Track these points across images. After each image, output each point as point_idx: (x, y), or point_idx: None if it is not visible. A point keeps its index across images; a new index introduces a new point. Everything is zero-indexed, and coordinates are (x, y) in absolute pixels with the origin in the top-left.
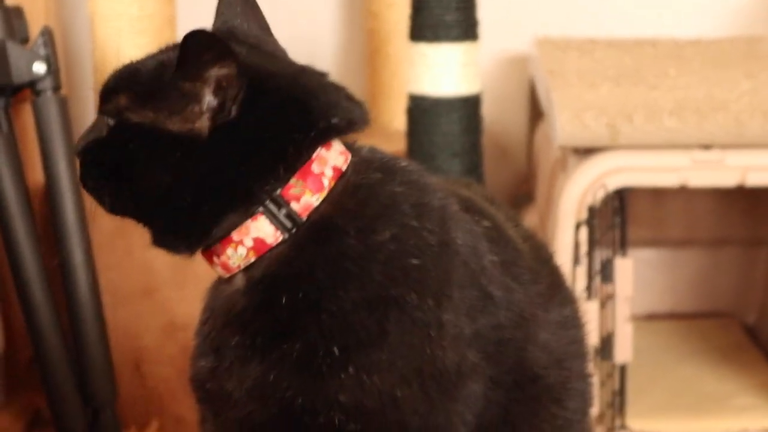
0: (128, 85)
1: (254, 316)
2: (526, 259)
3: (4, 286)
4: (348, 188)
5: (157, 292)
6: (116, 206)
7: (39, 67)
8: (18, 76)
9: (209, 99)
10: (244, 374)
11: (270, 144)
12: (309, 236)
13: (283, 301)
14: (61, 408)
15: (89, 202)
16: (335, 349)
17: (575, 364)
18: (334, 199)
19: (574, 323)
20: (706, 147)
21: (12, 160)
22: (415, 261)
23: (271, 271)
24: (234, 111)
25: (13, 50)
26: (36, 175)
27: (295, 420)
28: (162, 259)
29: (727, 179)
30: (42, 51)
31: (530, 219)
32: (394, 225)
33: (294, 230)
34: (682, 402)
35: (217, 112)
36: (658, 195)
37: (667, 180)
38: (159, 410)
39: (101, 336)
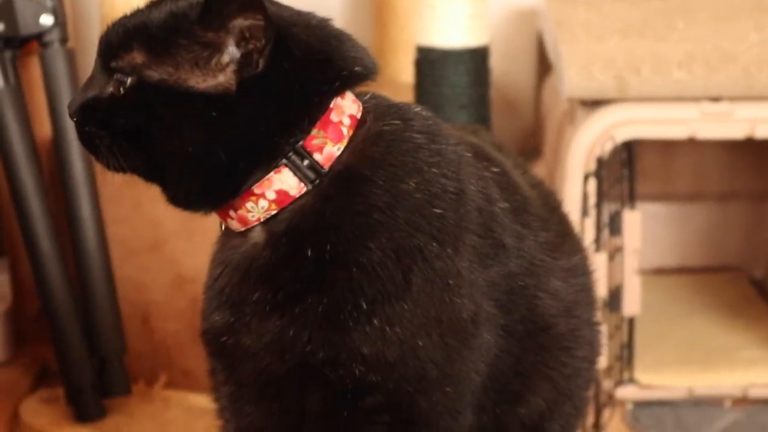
0: (140, 38)
1: (278, 270)
2: (535, 207)
3: (12, 241)
4: (369, 136)
5: (165, 245)
6: (125, 166)
7: (46, 19)
8: (25, 28)
9: (232, 50)
10: (264, 328)
11: (297, 96)
12: (334, 187)
13: (309, 254)
14: (68, 361)
15: None
16: (363, 303)
17: (584, 311)
18: (356, 148)
19: (582, 271)
20: (715, 99)
21: (19, 113)
22: (437, 210)
23: (295, 224)
24: (261, 64)
25: (20, 2)
26: (43, 128)
27: (315, 373)
28: (170, 213)
29: (735, 132)
30: (49, 3)
31: (538, 172)
32: (417, 173)
33: (317, 181)
34: (690, 355)
35: (243, 65)
36: (666, 149)
37: (676, 132)
38: (167, 364)
39: (109, 289)
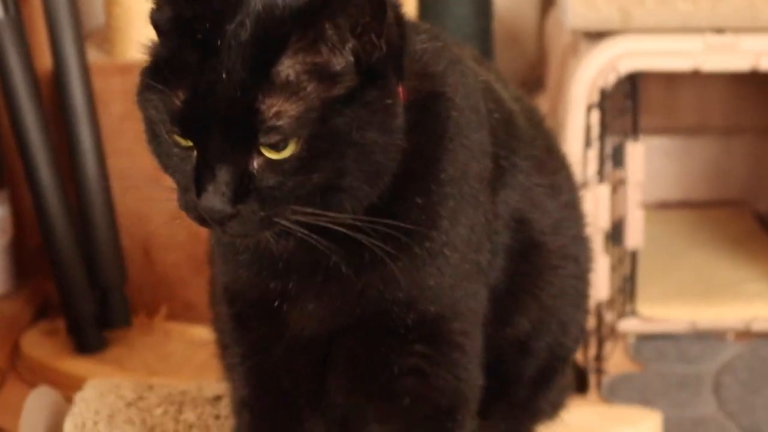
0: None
1: (361, 230)
2: (520, 121)
3: (12, 173)
4: (424, 56)
5: (166, 177)
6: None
7: None
8: None
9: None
10: (342, 289)
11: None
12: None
13: (399, 198)
14: (69, 293)
15: (97, 86)
16: (436, 235)
17: (570, 228)
18: (417, 71)
19: (568, 187)
20: (720, 31)
21: (19, 44)
22: (476, 135)
23: None
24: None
25: None
26: (44, 60)
27: (380, 317)
28: None
29: (740, 64)
30: None
31: (541, 105)
32: (465, 98)
33: None
34: (693, 289)
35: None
36: (670, 82)
37: (680, 64)
38: (168, 296)
39: (110, 221)
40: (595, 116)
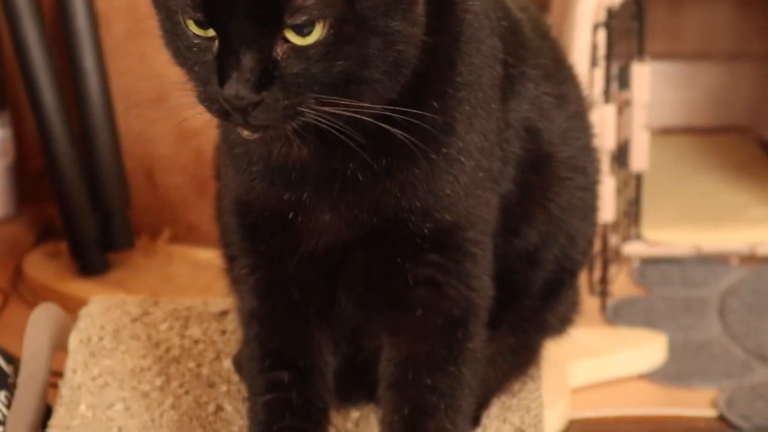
0: None
1: (379, 136)
2: (527, 30)
3: (14, 95)
4: None
5: (169, 98)
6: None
7: None
8: None
9: None
10: (359, 198)
11: None
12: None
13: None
14: (72, 216)
15: (100, 5)
16: (451, 139)
17: (578, 138)
18: None
19: (575, 97)
20: None
21: None
22: (489, 41)
23: None
24: None
25: None
26: None
27: (397, 227)
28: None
29: None
30: None
31: None
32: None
33: None
34: (697, 213)
35: None
36: (675, 5)
37: None
38: (171, 218)
39: (113, 143)
40: (602, 35)
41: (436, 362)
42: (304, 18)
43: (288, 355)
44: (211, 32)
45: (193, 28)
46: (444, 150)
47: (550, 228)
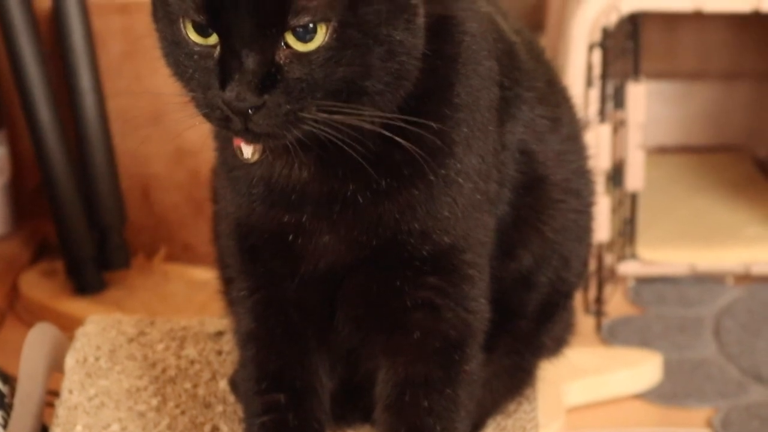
0: None
1: (382, 157)
2: (522, 53)
3: (11, 113)
4: None
5: (165, 118)
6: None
7: None
8: None
9: None
10: (359, 219)
11: None
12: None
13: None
14: (68, 234)
15: (96, 25)
16: (451, 162)
17: (572, 160)
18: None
19: (569, 119)
20: None
21: None
22: (487, 63)
23: None
24: None
25: None
26: None
27: (396, 249)
28: (171, 83)
29: (742, 4)
30: None
31: None
32: (481, 21)
33: None
34: (693, 232)
35: None
36: (670, 25)
37: (682, 4)
38: (167, 237)
39: (109, 162)
40: (597, 55)
41: (433, 384)
42: (307, 19)
43: (285, 376)
44: (212, 40)
45: (194, 37)
46: (443, 171)
47: (544, 250)
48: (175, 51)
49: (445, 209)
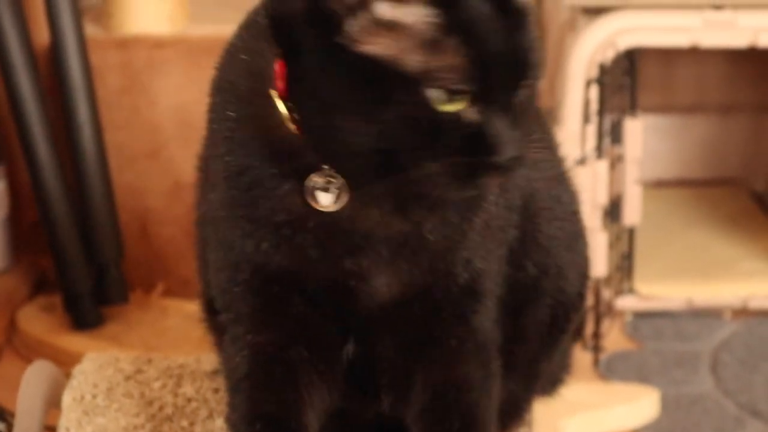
0: None
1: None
2: None
3: (9, 148)
4: None
5: (163, 152)
6: None
7: None
8: None
9: None
10: (417, 258)
11: None
12: None
13: None
14: (66, 269)
15: (94, 60)
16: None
17: (548, 169)
18: None
19: (540, 131)
20: (718, 7)
21: (16, 17)
22: None
23: None
24: None
25: None
26: (42, 34)
27: (448, 278)
28: (168, 118)
29: (738, 40)
30: None
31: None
32: None
33: None
34: (690, 267)
35: None
36: (667, 59)
37: (678, 40)
38: (165, 271)
39: (107, 196)
40: (594, 92)
41: (472, 381)
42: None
43: (281, 417)
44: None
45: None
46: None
47: (545, 259)
48: None
49: (477, 235)
